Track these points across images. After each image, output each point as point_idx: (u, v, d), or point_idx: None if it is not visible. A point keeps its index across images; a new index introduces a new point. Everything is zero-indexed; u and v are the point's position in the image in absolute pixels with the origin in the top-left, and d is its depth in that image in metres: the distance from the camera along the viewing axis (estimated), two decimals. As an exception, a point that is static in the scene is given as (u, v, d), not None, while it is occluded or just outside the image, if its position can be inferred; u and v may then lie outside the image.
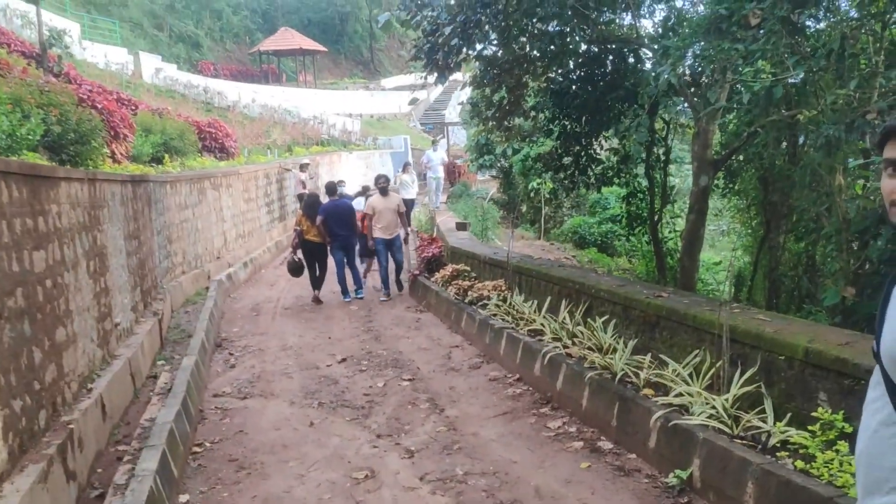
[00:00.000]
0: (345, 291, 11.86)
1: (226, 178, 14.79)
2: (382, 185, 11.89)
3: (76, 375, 5.63)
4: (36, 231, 4.97)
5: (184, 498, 4.68)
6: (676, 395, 4.86)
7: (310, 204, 11.81)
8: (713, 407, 4.61)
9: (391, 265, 12.08)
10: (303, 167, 19.15)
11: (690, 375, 5.11)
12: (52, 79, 11.30)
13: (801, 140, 9.08)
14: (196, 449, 5.64)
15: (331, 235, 11.60)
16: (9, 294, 4.30)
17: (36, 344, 4.73)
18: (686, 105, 9.72)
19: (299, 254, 11.71)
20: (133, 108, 15.46)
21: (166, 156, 13.71)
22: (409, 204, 17.22)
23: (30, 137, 6.73)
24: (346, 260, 11.77)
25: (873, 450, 1.67)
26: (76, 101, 9.62)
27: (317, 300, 11.61)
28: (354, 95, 44.17)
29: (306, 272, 11.73)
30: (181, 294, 10.86)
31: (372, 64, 56.73)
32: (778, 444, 4.12)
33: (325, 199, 12.32)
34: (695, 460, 4.35)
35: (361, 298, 11.89)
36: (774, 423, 4.25)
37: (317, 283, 11.78)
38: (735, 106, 7.68)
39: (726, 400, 4.62)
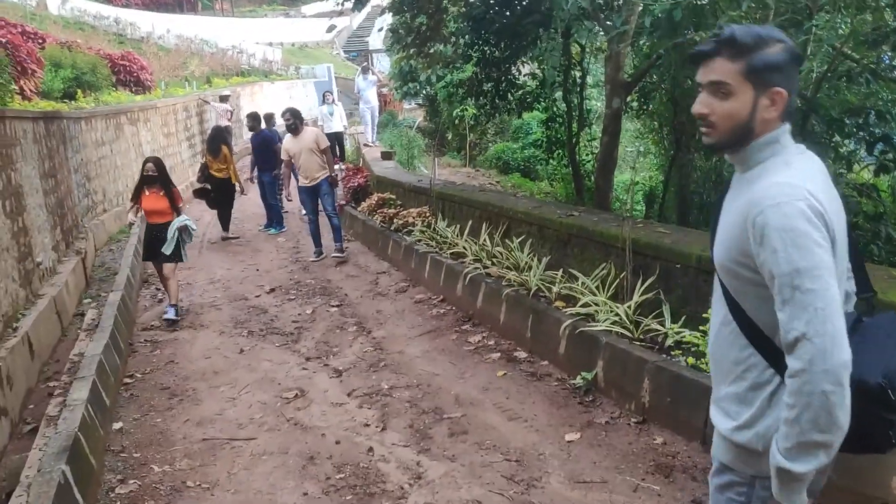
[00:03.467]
0: (270, 224, 11.95)
1: (143, 113, 14.39)
2: (288, 121, 9.60)
3: (0, 315, 5.64)
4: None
5: (117, 425, 4.83)
6: (583, 305, 5.22)
7: (212, 136, 11.65)
8: (616, 314, 4.98)
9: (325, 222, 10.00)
10: (223, 99, 18.69)
11: (598, 287, 5.46)
12: (-54, 11, 10.71)
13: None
14: (127, 380, 5.77)
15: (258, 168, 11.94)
16: (-78, 234, 4.28)
17: (-47, 284, 4.73)
18: (600, 29, 9.92)
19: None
20: (40, 41, 14.69)
21: (79, 91, 13.21)
22: (335, 139, 15.56)
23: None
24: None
25: (718, 346, 1.88)
26: (-24, 35, 9.19)
27: (224, 238, 11.49)
28: (274, 23, 42.81)
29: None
30: (104, 232, 10.72)
31: (291, -11, 54.78)
32: (673, 345, 4.51)
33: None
34: (599, 362, 4.73)
35: (274, 233, 11.92)
36: (671, 326, 4.64)
37: (224, 220, 11.61)
38: (640, 29, 7.89)
39: (629, 307, 4.99)
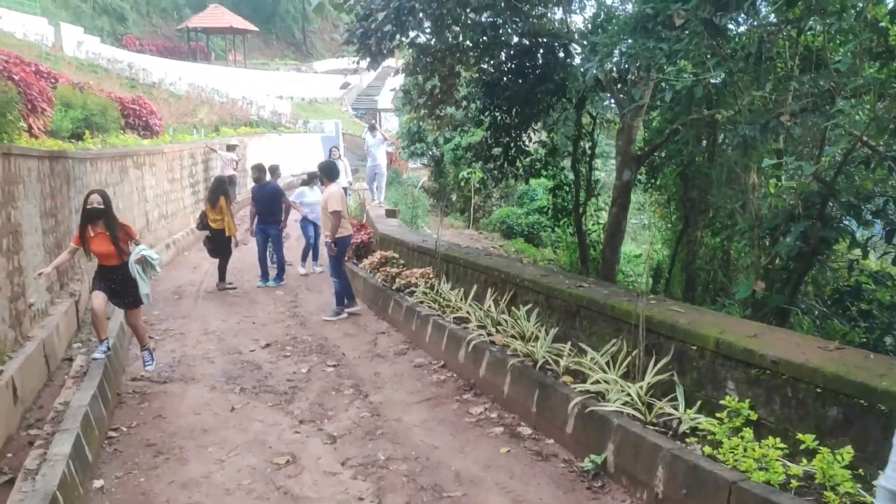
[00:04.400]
0: (263, 275, 11.77)
1: (149, 157, 14.35)
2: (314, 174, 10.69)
3: (-15, 357, 5.42)
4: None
5: (98, 483, 4.57)
6: (594, 383, 5.01)
7: (213, 187, 11.62)
8: (628, 394, 4.77)
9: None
10: (230, 148, 18.75)
11: (608, 363, 5.27)
12: (-38, 47, 10.74)
13: (720, 139, 9.44)
14: (112, 433, 5.51)
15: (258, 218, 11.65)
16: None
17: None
18: (612, 101, 9.96)
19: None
20: (53, 81, 14.79)
21: (87, 132, 13.22)
22: None
23: (-68, 108, 6.39)
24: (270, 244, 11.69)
25: None
26: (-11, 71, 9.20)
27: (220, 288, 11.34)
28: (285, 77, 43.42)
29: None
30: (99, 275, 10.53)
31: (304, 46, 55.80)
32: (688, 431, 4.30)
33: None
34: (609, 445, 4.50)
35: (275, 285, 11.67)
36: (685, 410, 4.44)
37: (220, 270, 11.47)
38: (658, 104, 7.89)
39: (641, 387, 4.79)
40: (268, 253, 11.94)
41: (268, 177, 12.04)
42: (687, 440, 4.21)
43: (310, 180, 12.99)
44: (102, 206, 6.62)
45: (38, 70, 14.59)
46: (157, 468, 4.88)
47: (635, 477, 4.26)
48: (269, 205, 11.73)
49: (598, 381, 5.03)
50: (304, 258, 12.85)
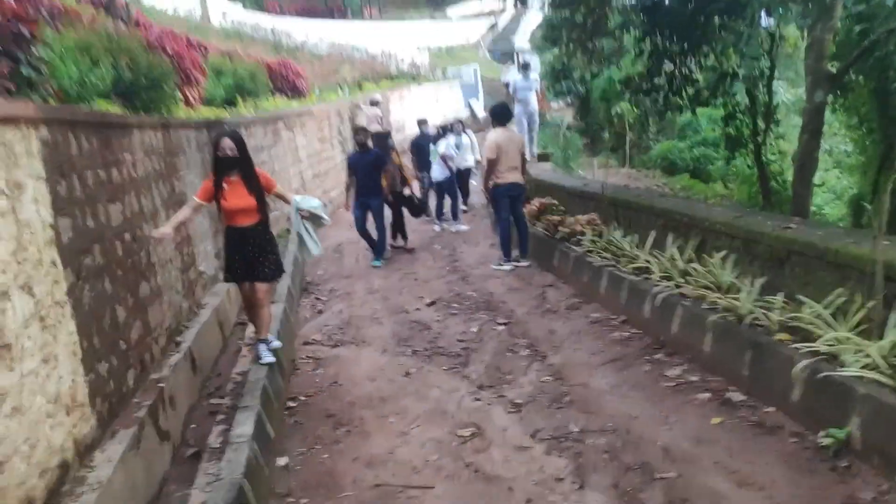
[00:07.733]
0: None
1: (299, 119, 14.45)
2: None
3: (163, 329, 5.43)
4: (110, 182, 4.68)
5: (282, 461, 4.42)
6: (827, 343, 4.25)
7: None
8: (867, 355, 4.01)
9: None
10: (373, 103, 18.65)
11: (833, 317, 4.50)
12: (121, 25, 11.00)
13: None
14: (290, 404, 5.40)
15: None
16: (85, 252, 4.02)
17: (118, 302, 4.49)
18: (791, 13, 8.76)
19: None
20: (203, 51, 15.06)
21: (239, 98, 13.39)
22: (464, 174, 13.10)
23: (99, 85, 6.42)
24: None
25: None
26: (146, 46, 9.31)
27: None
28: (420, 26, 43.14)
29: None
30: (263, 238, 10.65)
31: (437, -7, 55.19)
32: (956, 400, 3.52)
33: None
34: (853, 418, 3.78)
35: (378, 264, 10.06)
36: (951, 376, 3.64)
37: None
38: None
39: (883, 347, 4.01)
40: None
41: (371, 143, 10.42)
42: (959, 413, 3.44)
43: (443, 133, 12.27)
44: (237, 154, 5.28)
45: (189, 42, 14.89)
46: (340, 442, 4.67)
47: (892, 457, 3.54)
48: (370, 176, 9.98)
49: (829, 341, 4.27)
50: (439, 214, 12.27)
